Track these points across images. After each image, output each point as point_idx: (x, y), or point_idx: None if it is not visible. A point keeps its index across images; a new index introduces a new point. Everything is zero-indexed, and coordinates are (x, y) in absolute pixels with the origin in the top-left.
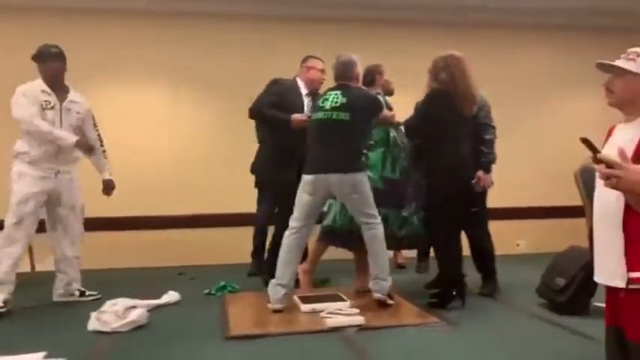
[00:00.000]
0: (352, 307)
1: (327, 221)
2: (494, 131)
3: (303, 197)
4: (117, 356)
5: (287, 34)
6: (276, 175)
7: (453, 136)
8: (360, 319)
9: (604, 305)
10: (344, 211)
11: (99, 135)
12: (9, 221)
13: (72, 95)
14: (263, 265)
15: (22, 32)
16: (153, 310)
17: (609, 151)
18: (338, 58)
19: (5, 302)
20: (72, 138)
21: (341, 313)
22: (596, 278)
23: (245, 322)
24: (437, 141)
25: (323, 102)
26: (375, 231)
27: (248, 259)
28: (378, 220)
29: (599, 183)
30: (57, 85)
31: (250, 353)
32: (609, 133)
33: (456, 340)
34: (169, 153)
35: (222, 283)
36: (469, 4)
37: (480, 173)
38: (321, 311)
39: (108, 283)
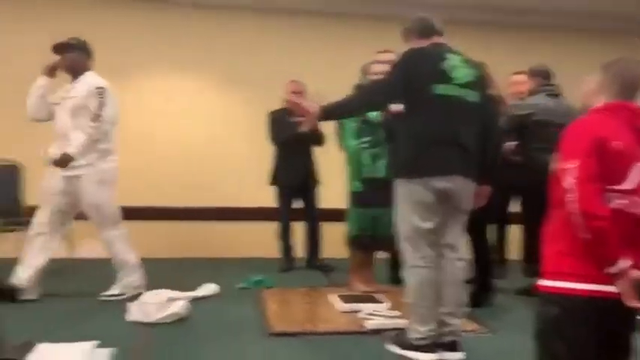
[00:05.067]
0: (390, 309)
1: (357, 230)
2: None
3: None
4: (163, 348)
5: (313, 29)
6: None
7: None
8: (402, 323)
9: None
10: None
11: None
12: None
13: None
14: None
15: None
16: (190, 303)
17: None
18: (417, 15)
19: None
20: None
21: (381, 315)
22: None
23: (286, 319)
24: None
25: (452, 68)
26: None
27: (270, 254)
28: None
29: None
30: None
31: (295, 351)
32: None
33: (499, 349)
34: (196, 145)
35: (259, 278)
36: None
37: None
38: (358, 311)
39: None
